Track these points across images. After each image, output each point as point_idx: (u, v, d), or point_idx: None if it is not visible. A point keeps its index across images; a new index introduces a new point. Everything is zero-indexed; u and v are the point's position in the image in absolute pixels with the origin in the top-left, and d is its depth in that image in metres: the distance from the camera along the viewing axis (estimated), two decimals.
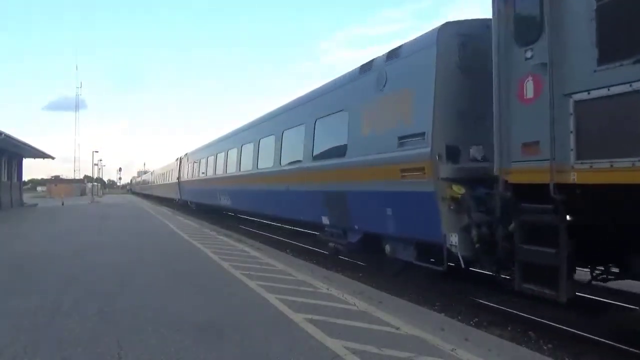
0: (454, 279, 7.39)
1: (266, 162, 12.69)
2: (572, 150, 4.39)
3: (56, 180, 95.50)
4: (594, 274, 5.28)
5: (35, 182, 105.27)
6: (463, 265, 5.98)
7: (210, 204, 21.79)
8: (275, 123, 12.57)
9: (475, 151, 6.19)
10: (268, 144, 12.67)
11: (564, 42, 4.53)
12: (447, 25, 6.38)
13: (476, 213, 5.85)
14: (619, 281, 5.39)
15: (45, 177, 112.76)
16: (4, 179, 30.27)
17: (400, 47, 7.30)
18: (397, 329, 4.68)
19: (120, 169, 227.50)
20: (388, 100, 7.25)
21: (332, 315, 5.09)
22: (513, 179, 5.04)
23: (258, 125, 14.40)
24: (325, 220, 9.50)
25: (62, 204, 37.66)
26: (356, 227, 8.45)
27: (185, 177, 27.60)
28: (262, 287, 6.47)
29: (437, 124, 6.14)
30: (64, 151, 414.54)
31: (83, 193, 73.49)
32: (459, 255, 5.92)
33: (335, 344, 4.17)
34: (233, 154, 16.59)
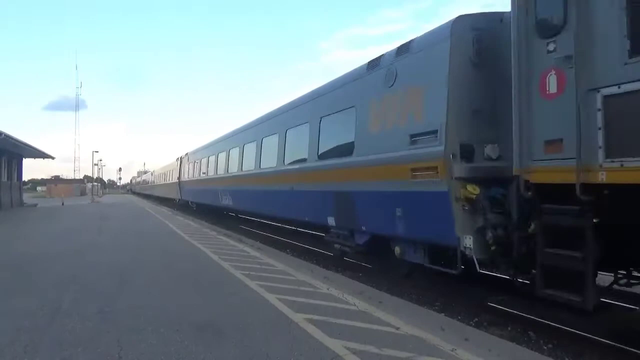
0: (457, 280, 7.18)
1: (269, 162, 12.42)
2: (600, 148, 4.14)
3: (56, 180, 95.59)
4: (617, 277, 5.04)
5: (35, 182, 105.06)
6: (478, 269, 5.73)
7: (211, 205, 21.51)
8: (278, 121, 12.29)
9: (490, 150, 5.92)
10: (271, 143, 12.40)
11: (590, 34, 4.28)
12: (461, 18, 6.12)
13: (492, 214, 5.62)
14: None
15: (45, 177, 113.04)
16: (4, 179, 30.14)
17: (411, 41, 7.04)
18: (397, 329, 4.67)
19: (120, 169, 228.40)
20: (398, 97, 7.00)
21: (332, 315, 5.08)
22: (535, 178, 4.78)
23: (260, 124, 14.12)
24: (331, 221, 9.24)
25: (62, 204, 37.54)
26: (364, 228, 8.19)
27: (185, 177, 27.40)
28: (262, 287, 6.45)
29: (451, 121, 5.89)
30: (64, 151, 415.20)
31: (83, 193, 73.25)
32: (474, 258, 5.66)
33: (335, 344, 4.17)
34: (235, 153, 16.33)
